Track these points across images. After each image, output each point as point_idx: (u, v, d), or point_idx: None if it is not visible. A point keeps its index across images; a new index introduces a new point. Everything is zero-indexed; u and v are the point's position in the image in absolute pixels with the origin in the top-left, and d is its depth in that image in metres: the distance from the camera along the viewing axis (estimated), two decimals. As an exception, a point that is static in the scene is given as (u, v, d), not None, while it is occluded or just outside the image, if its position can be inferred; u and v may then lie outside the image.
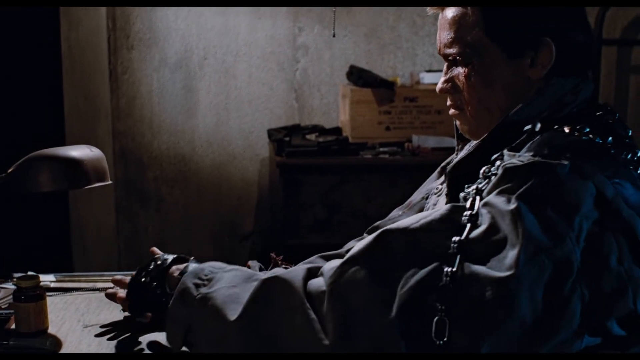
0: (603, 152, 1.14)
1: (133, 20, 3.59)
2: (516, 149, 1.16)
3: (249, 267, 1.58)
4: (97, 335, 1.43)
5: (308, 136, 3.41)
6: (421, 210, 1.51)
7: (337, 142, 3.25)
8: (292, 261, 1.60)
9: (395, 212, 1.60)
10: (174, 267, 1.32)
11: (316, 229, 3.20)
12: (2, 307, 1.56)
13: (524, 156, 1.11)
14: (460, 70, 1.28)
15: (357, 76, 3.38)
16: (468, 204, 1.09)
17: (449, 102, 1.34)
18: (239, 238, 3.81)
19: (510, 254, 1.00)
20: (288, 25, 3.66)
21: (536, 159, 1.09)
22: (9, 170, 1.40)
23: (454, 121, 1.39)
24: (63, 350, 1.38)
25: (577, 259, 1.02)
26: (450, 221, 1.07)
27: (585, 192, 1.06)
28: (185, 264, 1.32)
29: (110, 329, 1.47)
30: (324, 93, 3.73)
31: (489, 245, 1.03)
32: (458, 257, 1.02)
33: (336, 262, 1.12)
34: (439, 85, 1.33)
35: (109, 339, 1.43)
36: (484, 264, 1.01)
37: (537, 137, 1.16)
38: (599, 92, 3.74)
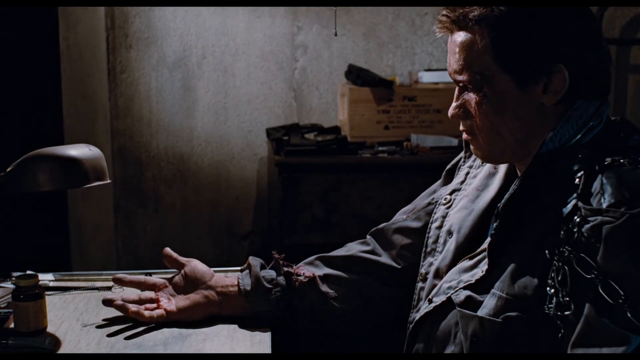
0: None
1: (131, 19, 3.59)
2: (586, 196, 1.14)
3: (249, 263, 1.57)
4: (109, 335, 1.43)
5: (307, 135, 3.40)
6: (428, 215, 1.50)
7: (335, 141, 3.25)
8: (292, 261, 1.60)
9: (399, 216, 1.59)
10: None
11: (315, 228, 3.20)
12: (1, 306, 1.56)
13: (612, 211, 1.09)
14: (471, 97, 1.26)
15: (356, 75, 3.38)
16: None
17: (461, 127, 1.32)
18: (237, 237, 3.81)
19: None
20: (287, 25, 3.65)
21: (622, 210, 1.08)
22: (8, 170, 1.39)
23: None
24: (62, 350, 1.38)
25: None
26: None
27: None
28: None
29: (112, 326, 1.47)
30: (322, 92, 3.72)
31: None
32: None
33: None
34: (451, 111, 1.30)
35: (108, 335, 1.43)
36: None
37: (602, 177, 1.14)
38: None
